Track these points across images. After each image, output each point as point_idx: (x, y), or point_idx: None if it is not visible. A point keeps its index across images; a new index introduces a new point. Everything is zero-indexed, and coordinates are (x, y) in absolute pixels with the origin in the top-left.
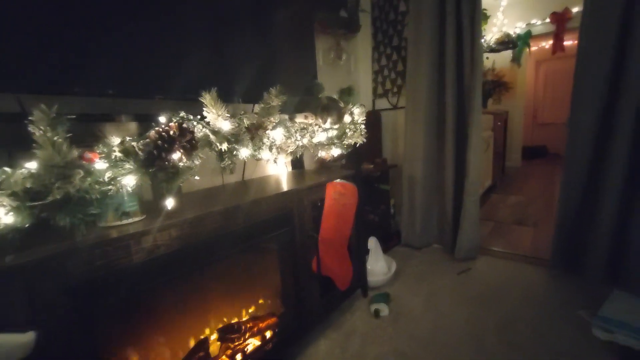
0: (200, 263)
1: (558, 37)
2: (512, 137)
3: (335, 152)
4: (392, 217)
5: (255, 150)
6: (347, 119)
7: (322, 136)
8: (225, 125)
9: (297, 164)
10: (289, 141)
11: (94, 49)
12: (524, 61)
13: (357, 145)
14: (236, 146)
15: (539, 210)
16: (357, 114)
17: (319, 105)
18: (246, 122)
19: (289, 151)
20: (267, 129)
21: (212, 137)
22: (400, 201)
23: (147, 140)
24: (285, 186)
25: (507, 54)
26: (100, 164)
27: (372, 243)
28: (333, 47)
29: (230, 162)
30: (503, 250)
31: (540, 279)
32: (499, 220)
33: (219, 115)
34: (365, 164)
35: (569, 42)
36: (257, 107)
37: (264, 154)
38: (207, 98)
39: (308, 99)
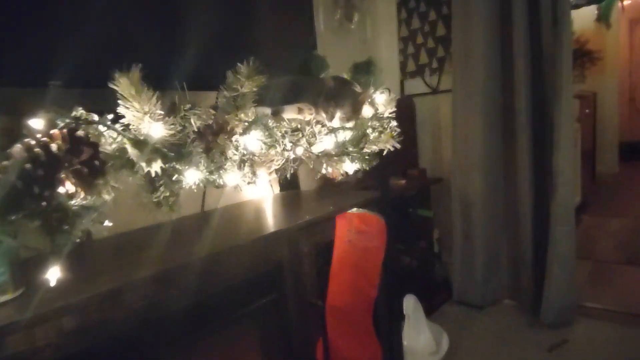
0: None
1: None
2: (604, 129)
3: (350, 166)
4: (438, 257)
5: (212, 172)
6: (366, 111)
7: (328, 141)
8: (158, 129)
9: (289, 183)
10: (272, 152)
11: None
12: (613, 20)
13: (385, 153)
14: (178, 165)
15: None
16: (382, 104)
17: (321, 91)
18: (196, 122)
19: (272, 169)
20: (234, 134)
21: (132, 151)
22: (449, 233)
23: (9, 163)
24: (270, 222)
25: (590, 10)
26: None
27: (410, 304)
28: (340, 4)
29: (168, 194)
30: (612, 309)
31: None
32: (600, 259)
33: (145, 113)
34: (394, 178)
35: None
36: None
37: (229, 176)
38: (122, 83)
39: (303, 82)
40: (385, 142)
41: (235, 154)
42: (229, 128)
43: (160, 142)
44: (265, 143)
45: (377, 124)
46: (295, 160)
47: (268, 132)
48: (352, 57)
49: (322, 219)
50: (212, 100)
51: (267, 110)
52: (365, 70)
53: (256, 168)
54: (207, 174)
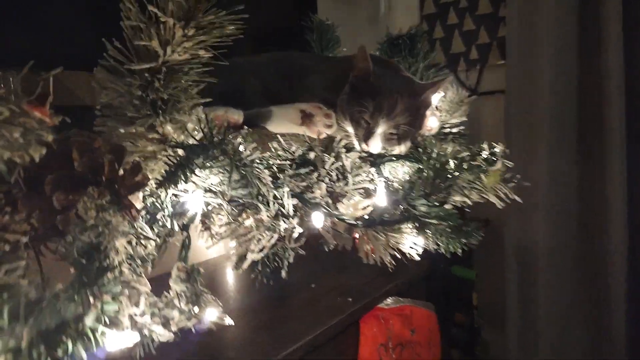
0: None
1: None
2: None
3: (416, 243)
4: (477, 334)
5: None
6: (432, 122)
7: (377, 191)
8: None
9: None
10: (247, 222)
11: None
12: None
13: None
14: None
15: None
16: (443, 107)
17: (340, 81)
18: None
19: (247, 261)
20: (144, 184)
21: None
22: (496, 301)
23: None
24: None
25: None
26: None
27: None
28: None
29: None
30: None
31: None
32: None
33: None
34: None
35: None
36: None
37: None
38: None
39: (305, 62)
40: (489, 185)
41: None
42: (129, 167)
43: None
44: (229, 201)
45: (466, 152)
46: (301, 238)
47: (237, 172)
48: (358, 38)
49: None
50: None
51: (233, 116)
52: (408, 46)
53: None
54: None
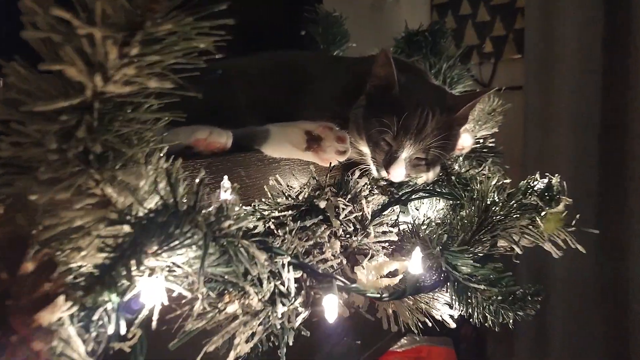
0: None
1: None
2: None
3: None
4: (483, 347)
5: None
6: (466, 140)
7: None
8: None
9: None
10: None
11: None
12: None
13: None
14: None
15: None
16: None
17: (355, 90)
18: None
19: None
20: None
21: None
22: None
23: None
24: None
25: None
26: None
27: None
28: None
29: None
30: None
31: None
32: None
33: None
34: None
35: None
36: None
37: None
38: None
39: (310, 66)
40: (548, 232)
41: None
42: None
43: None
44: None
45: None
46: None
47: (215, 247)
48: (357, 30)
49: None
50: None
51: (219, 139)
52: (430, 44)
53: None
54: None
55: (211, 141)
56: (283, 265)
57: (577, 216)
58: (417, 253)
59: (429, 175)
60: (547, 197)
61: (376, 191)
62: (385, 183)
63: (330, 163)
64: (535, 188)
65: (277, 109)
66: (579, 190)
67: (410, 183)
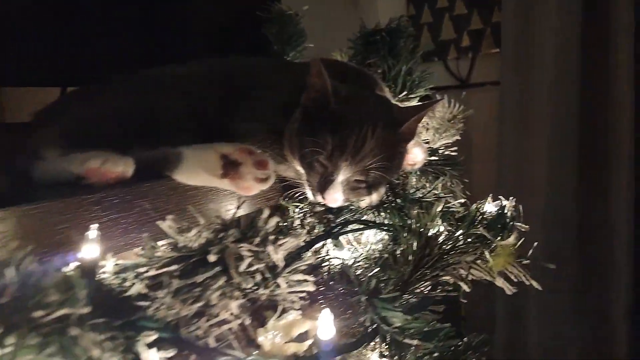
0: None
1: None
2: None
3: None
4: None
5: None
6: (417, 155)
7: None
8: None
9: None
10: None
11: None
12: None
13: None
14: None
15: None
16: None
17: (289, 101)
18: None
19: None
20: None
21: None
22: (485, 312)
23: None
24: None
25: None
26: None
27: None
28: None
29: None
30: None
31: None
32: None
33: None
34: None
35: None
36: None
37: None
38: None
39: (246, 72)
40: (497, 268)
41: None
42: None
43: None
44: None
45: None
46: None
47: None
48: (328, 25)
49: None
50: None
51: (116, 167)
52: (388, 44)
53: None
54: None
55: (105, 171)
56: (147, 344)
57: (535, 244)
58: (326, 315)
59: (372, 198)
60: (499, 226)
61: (310, 219)
62: (322, 208)
63: (249, 191)
64: (485, 215)
65: (216, 121)
66: (556, 189)
67: (352, 207)
